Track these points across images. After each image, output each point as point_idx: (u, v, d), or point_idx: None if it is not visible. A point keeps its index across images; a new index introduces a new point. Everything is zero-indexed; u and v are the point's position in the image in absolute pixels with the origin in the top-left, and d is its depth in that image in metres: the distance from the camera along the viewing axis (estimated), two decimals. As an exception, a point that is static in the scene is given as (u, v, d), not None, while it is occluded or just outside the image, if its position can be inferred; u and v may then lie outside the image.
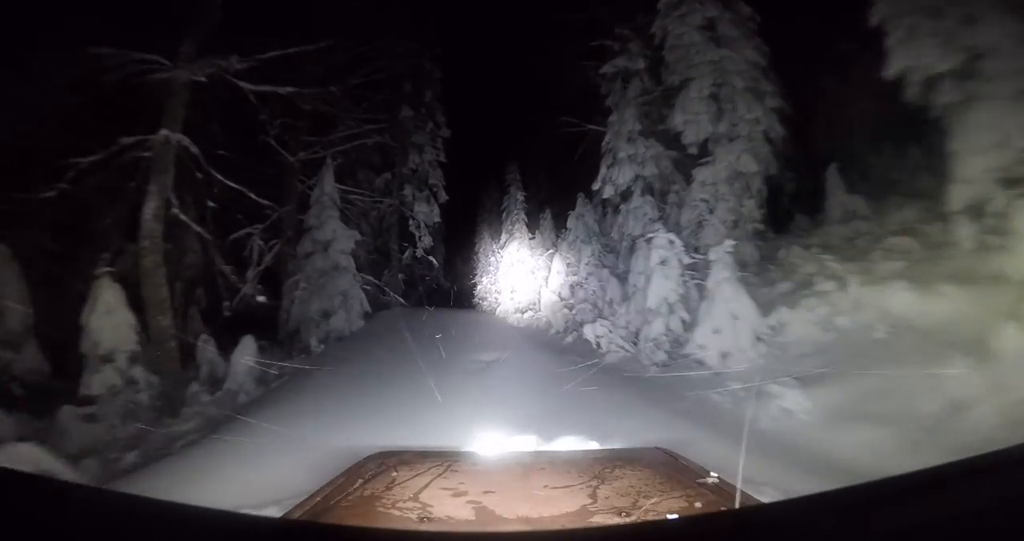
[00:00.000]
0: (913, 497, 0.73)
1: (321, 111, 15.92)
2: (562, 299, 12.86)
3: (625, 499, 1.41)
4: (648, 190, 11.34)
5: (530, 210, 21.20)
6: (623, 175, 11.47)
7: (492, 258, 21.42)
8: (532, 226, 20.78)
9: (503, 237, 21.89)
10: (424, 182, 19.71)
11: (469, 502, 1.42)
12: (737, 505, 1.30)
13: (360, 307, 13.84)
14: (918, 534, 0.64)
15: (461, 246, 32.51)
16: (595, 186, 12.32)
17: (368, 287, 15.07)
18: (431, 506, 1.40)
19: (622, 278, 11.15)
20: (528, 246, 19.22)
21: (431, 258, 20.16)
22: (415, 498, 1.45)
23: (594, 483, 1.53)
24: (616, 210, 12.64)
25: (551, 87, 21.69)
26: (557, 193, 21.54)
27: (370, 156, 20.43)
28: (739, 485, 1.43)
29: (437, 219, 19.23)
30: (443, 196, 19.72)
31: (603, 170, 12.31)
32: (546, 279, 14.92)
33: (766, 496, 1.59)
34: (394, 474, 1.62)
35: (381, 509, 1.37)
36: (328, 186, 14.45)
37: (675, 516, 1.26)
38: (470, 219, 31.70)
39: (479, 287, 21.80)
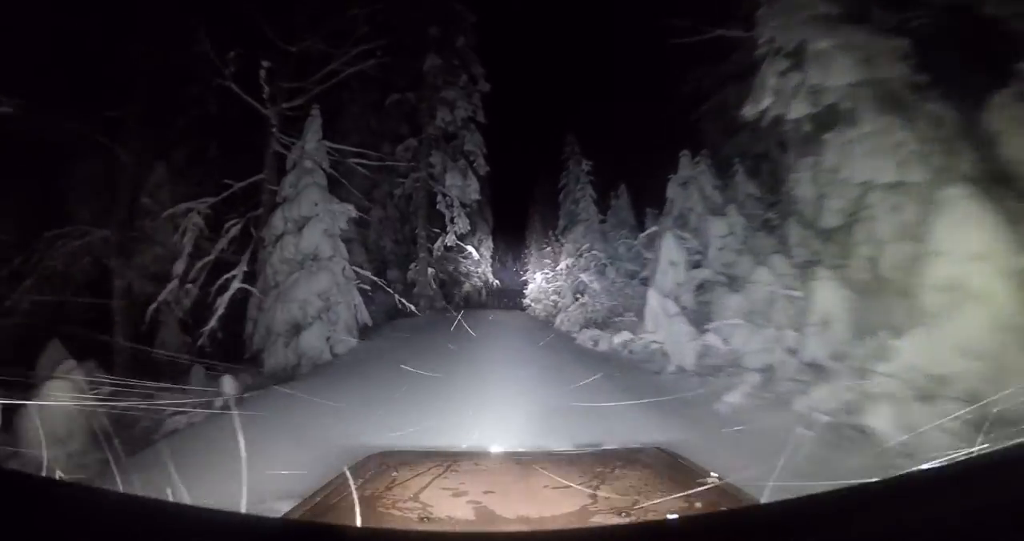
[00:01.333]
0: (913, 497, 0.69)
1: (312, 52, 10.98)
2: (683, 309, 6.91)
3: (625, 499, 1.30)
4: (884, 105, 5.19)
5: (597, 185, 15.32)
6: (832, 77, 5.41)
7: (548, 248, 15.69)
8: (602, 206, 14.97)
9: (562, 222, 16.16)
10: (459, 150, 14.32)
11: (469, 502, 1.32)
12: (737, 505, 1.22)
13: (354, 317, 8.66)
14: (918, 534, 0.61)
15: (508, 232, 27.30)
16: (753, 108, 6.29)
17: (367, 286, 9.80)
18: (431, 506, 1.30)
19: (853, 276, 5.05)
20: (599, 231, 13.38)
21: (469, 247, 14.78)
22: (415, 498, 1.35)
23: (594, 483, 1.41)
24: (791, 149, 6.53)
25: (623, 20, 15.78)
26: (634, 165, 15.52)
27: (396, 125, 15.39)
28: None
29: (476, 196, 13.73)
30: (483, 166, 14.21)
31: (769, 81, 6.24)
32: (641, 278, 9.03)
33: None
34: (394, 474, 1.51)
35: (381, 509, 1.27)
36: (311, 143, 9.35)
37: (675, 516, 1.17)
38: (520, 199, 26.39)
39: (532, 286, 16.11)
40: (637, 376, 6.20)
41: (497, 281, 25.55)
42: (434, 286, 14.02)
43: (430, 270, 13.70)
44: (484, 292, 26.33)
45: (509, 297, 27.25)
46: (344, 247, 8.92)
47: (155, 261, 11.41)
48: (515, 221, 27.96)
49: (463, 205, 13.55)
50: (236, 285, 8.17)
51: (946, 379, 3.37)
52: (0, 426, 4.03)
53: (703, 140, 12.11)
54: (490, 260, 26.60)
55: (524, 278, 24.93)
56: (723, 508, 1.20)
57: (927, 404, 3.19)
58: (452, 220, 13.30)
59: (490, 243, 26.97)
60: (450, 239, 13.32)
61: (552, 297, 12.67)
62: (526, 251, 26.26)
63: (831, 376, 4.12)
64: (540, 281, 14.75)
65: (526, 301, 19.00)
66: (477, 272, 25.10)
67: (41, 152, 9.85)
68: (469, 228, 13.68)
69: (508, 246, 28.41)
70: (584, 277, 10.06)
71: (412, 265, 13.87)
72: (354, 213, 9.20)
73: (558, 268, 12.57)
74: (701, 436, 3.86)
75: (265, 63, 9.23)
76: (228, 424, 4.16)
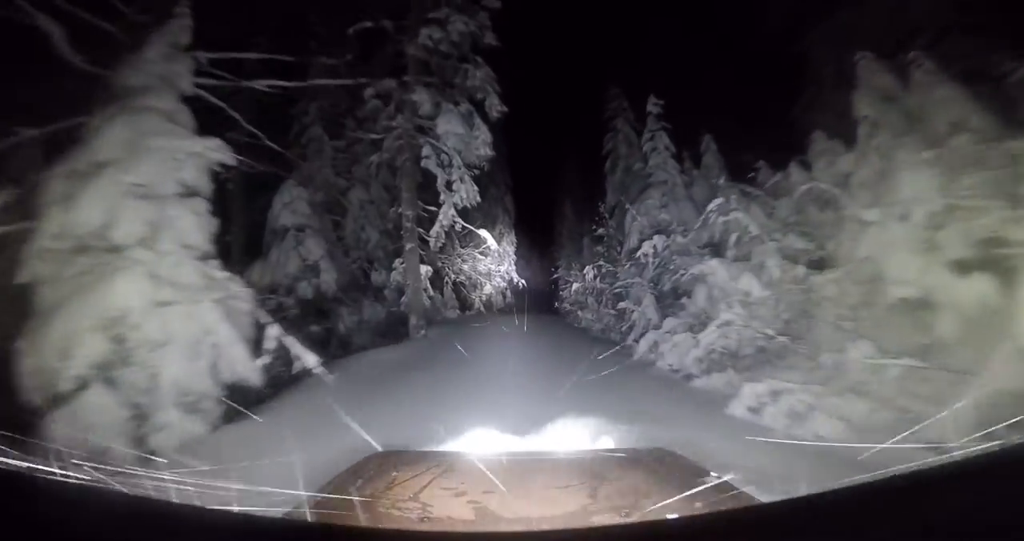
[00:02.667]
0: (913, 497, 0.66)
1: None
2: None
3: (625, 499, 1.28)
4: None
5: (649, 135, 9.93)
6: None
7: (601, 230, 10.41)
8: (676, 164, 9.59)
9: (611, 197, 10.94)
10: (460, 88, 9.20)
11: (469, 502, 1.29)
12: (737, 505, 1.17)
13: (207, 371, 3.77)
14: (918, 533, 0.59)
15: (531, 223, 22.28)
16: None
17: (245, 305, 4.73)
18: (431, 506, 1.26)
19: None
20: (686, 197, 8.08)
21: (483, 233, 9.67)
22: (415, 498, 1.32)
23: (594, 483, 1.38)
24: None
25: None
26: (715, 112, 10.16)
27: (370, 69, 10.45)
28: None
29: (486, 151, 8.53)
30: (497, 106, 8.99)
31: None
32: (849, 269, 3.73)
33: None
34: (394, 474, 1.47)
35: (381, 509, 1.23)
36: (156, 51, 4.51)
37: (675, 516, 1.14)
38: (543, 177, 21.36)
39: (576, 286, 10.83)
40: None
41: (523, 281, 20.53)
42: (431, 292, 9.00)
43: (424, 268, 8.66)
44: (508, 294, 21.26)
45: (538, 299, 22.17)
46: (194, 223, 3.96)
47: None
48: (539, 206, 22.92)
49: (469, 166, 8.44)
50: None
51: None
52: None
53: (818, 75, 8.49)
54: (514, 256, 21.66)
55: (556, 276, 19.90)
56: (723, 508, 1.13)
57: None
58: (450, 186, 8.19)
59: (513, 237, 21.98)
60: (445, 216, 8.17)
61: (620, 304, 7.42)
62: (557, 241, 21.21)
63: None
64: (590, 278, 9.52)
65: (565, 305, 13.85)
66: (499, 271, 20.09)
67: None
68: (478, 199, 8.52)
69: (533, 239, 23.35)
70: (718, 268, 4.62)
71: (397, 262, 8.88)
72: (221, 154, 4.22)
73: (639, 254, 7.19)
74: None
75: None
76: None
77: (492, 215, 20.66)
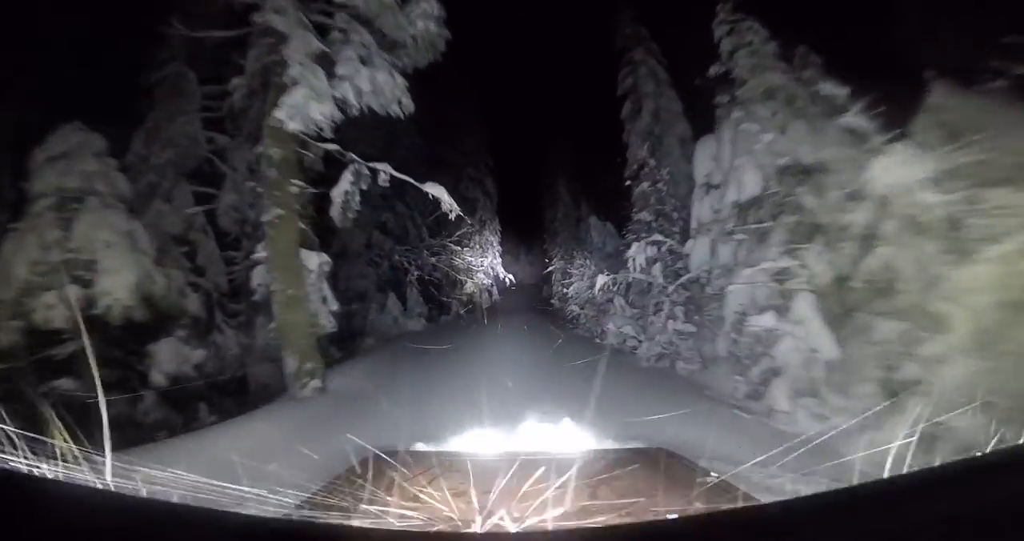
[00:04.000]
0: (913, 497, 0.65)
1: None
2: None
3: (625, 499, 1.27)
4: None
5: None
6: None
7: (641, 185, 6.18)
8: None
9: (641, 151, 6.75)
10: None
11: (469, 502, 1.27)
12: (737, 505, 1.15)
13: None
14: (918, 534, 0.57)
15: (512, 209, 18.54)
16: None
17: None
18: (431, 506, 1.25)
19: None
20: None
21: (430, 191, 5.28)
22: (415, 498, 1.29)
23: (594, 483, 1.39)
24: None
25: None
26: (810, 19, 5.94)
27: None
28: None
29: (430, 28, 4.20)
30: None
31: None
32: None
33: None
34: (394, 474, 1.44)
35: (381, 509, 1.20)
36: None
37: (675, 516, 1.15)
38: (527, 155, 17.53)
39: (601, 280, 6.47)
40: None
41: (511, 276, 16.49)
42: (332, 304, 4.63)
43: (315, 258, 4.28)
44: (494, 293, 17.02)
45: (532, 300, 18.14)
46: None
47: None
48: (527, 187, 18.89)
49: (396, 53, 4.08)
50: None
51: None
52: None
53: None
54: (499, 247, 17.61)
55: (551, 269, 16.18)
56: (723, 508, 1.12)
57: None
58: (330, 64, 3.70)
59: (497, 225, 17.91)
60: (297, 116, 3.57)
61: (750, 318, 3.08)
62: (550, 228, 17.20)
63: None
64: (639, 263, 5.32)
65: (570, 308, 9.78)
66: (481, 265, 15.82)
67: None
68: (407, 104, 4.07)
69: (520, 227, 19.29)
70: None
71: (258, 248, 4.50)
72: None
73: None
74: None
75: None
76: None
77: (471, 199, 16.63)
